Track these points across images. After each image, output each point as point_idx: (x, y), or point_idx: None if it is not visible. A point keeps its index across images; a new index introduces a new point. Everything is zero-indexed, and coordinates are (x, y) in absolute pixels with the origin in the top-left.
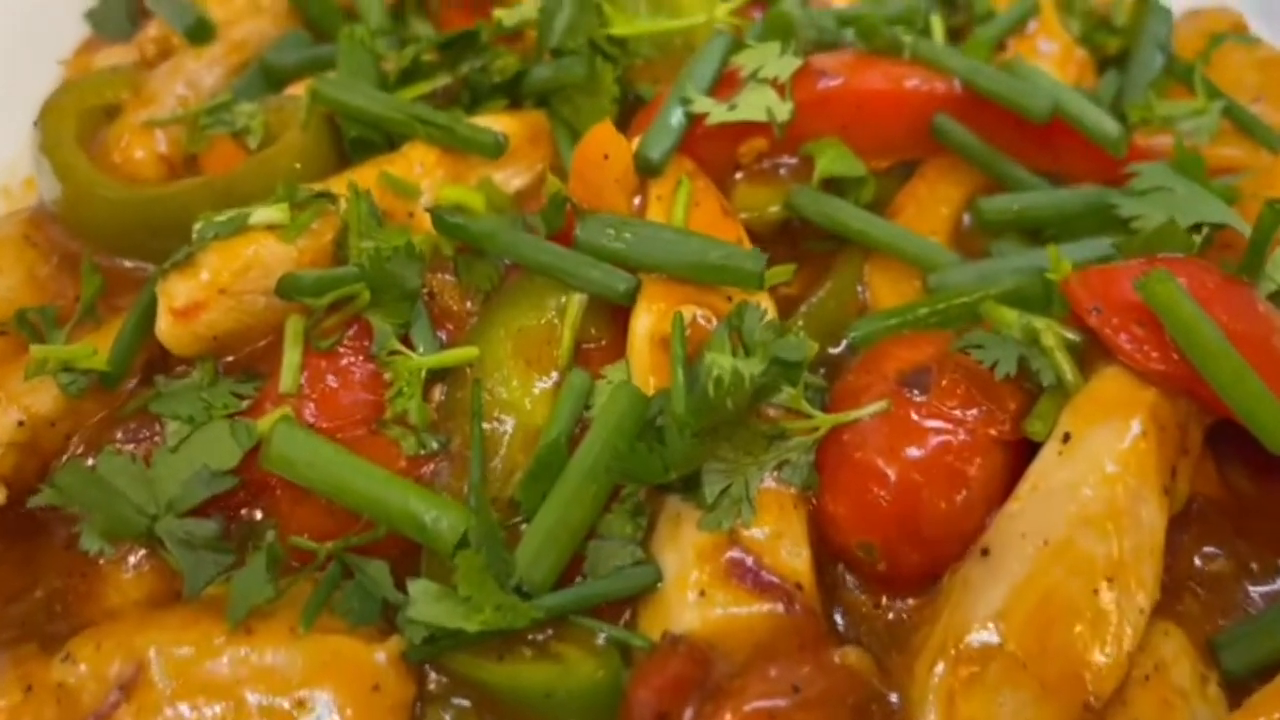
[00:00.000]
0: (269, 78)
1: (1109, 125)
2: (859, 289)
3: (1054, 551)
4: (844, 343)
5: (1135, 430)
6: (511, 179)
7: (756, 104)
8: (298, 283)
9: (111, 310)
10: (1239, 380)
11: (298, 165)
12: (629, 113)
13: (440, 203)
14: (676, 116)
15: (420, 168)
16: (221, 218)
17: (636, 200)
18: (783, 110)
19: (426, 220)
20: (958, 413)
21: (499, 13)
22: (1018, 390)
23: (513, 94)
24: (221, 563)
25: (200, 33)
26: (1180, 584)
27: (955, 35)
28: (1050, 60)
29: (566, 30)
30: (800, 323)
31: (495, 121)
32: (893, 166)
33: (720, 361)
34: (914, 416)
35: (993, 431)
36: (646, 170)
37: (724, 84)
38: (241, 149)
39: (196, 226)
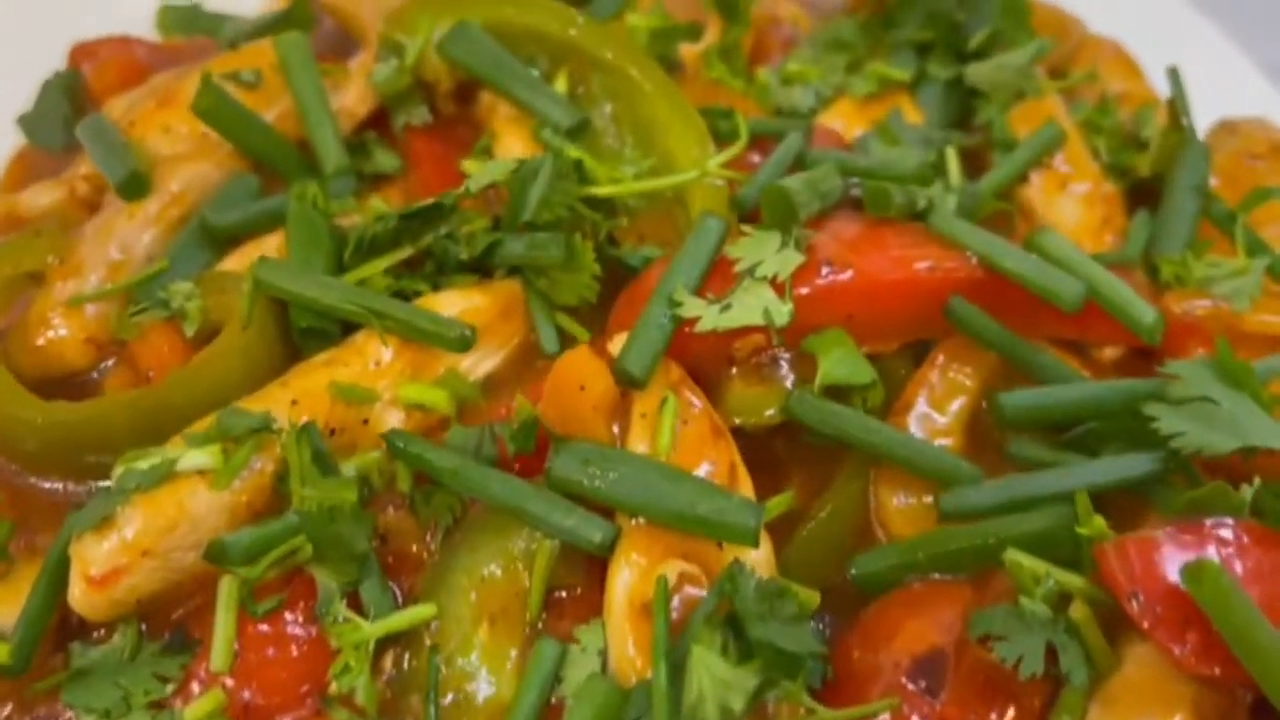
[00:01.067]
0: (210, 238)
1: (1145, 312)
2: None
3: None
4: (849, 572)
5: None
6: (481, 362)
7: (753, 305)
8: (227, 551)
9: (28, 549)
10: None
11: (237, 375)
12: (613, 279)
13: (400, 401)
14: (662, 321)
15: (376, 363)
16: (144, 464)
17: (616, 428)
18: (782, 312)
19: (382, 422)
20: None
21: (468, 166)
22: (1043, 681)
23: (482, 264)
24: None
25: (134, 188)
26: None
27: (972, 159)
28: (1076, 200)
29: (541, 202)
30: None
31: (463, 297)
32: (901, 348)
33: (704, 675)
34: None
35: None
36: (628, 384)
37: (716, 274)
38: (177, 335)
39: (116, 473)
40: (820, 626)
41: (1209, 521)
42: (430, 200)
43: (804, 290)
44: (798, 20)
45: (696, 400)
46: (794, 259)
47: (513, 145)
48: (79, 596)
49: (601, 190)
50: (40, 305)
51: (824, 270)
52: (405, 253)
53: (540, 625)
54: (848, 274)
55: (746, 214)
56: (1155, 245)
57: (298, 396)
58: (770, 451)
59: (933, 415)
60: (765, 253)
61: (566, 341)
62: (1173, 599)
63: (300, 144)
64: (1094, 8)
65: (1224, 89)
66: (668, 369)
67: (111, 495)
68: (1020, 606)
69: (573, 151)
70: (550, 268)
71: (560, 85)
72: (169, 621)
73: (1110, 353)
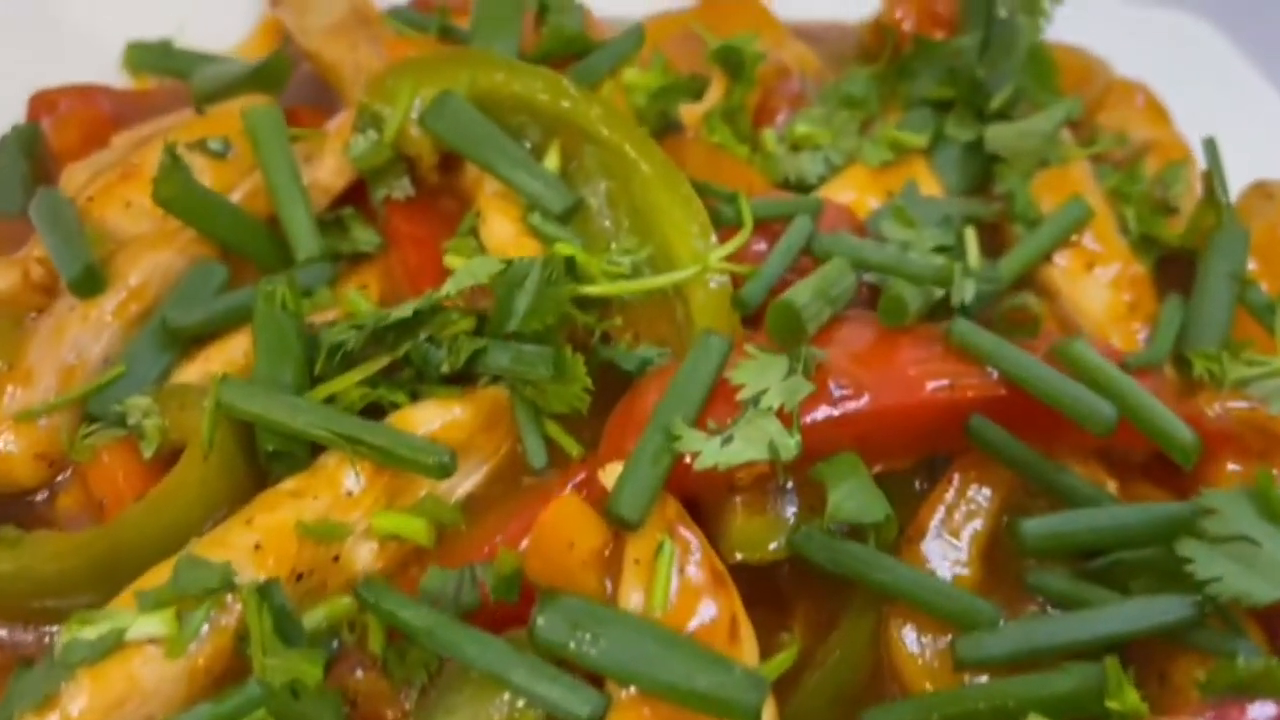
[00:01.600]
0: (171, 338)
1: (1181, 433)
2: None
3: None
4: None
5: None
6: (463, 480)
7: (757, 439)
8: None
9: None
10: None
11: (197, 511)
12: (607, 381)
13: (374, 533)
14: (658, 456)
15: (348, 492)
16: (91, 634)
17: (609, 580)
18: (789, 446)
19: (355, 557)
20: None
21: (450, 259)
22: None
23: (465, 372)
24: None
25: (89, 285)
26: None
27: (992, 231)
28: (1103, 283)
29: (530, 313)
30: None
31: (443, 408)
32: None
33: None
34: None
35: None
36: (620, 526)
37: (717, 399)
38: (133, 457)
39: (61, 642)
40: None
41: (1253, 710)
42: (408, 309)
43: (812, 417)
44: (805, 62)
45: (695, 542)
46: (802, 388)
47: (500, 227)
48: None
49: (595, 290)
50: None
51: (834, 392)
52: (382, 362)
53: None
54: (861, 402)
55: (750, 313)
56: (1187, 336)
57: (262, 539)
58: (774, 583)
59: (949, 541)
60: (771, 379)
61: (555, 454)
62: None
63: (272, 221)
64: (1122, 44)
65: (1259, 127)
66: (664, 505)
67: (55, 669)
68: None
69: (564, 247)
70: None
71: (552, 160)
72: None
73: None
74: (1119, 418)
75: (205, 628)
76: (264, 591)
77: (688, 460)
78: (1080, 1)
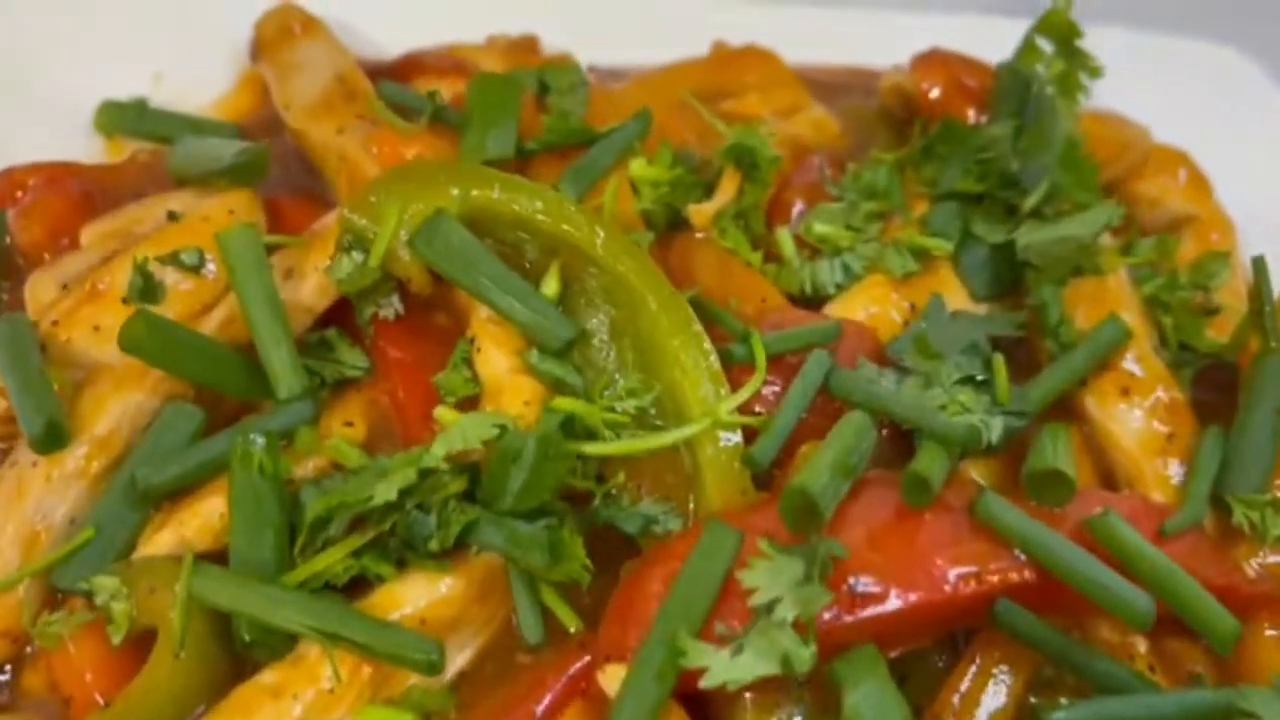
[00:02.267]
0: (141, 498)
1: (1222, 623)
2: None
3: None
4: None
5: None
6: (454, 657)
7: (769, 651)
8: None
9: None
10: None
11: (169, 716)
12: (609, 542)
13: None
14: (663, 674)
15: (331, 688)
16: None
17: None
18: (803, 658)
19: None
20: None
21: (441, 413)
22: None
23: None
24: None
25: (52, 442)
26: None
27: (1019, 342)
28: (1139, 414)
29: (525, 490)
30: None
31: (431, 583)
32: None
33: None
34: None
35: None
36: None
37: (727, 595)
38: (101, 645)
39: None
40: None
41: None
42: (393, 491)
43: (828, 616)
44: (824, 130)
45: None
46: (819, 598)
47: (496, 360)
48: None
49: (597, 450)
50: None
51: (854, 589)
52: (367, 536)
53: None
54: (884, 605)
55: (761, 474)
56: (1227, 476)
57: None
58: None
59: None
60: (784, 584)
61: (552, 624)
62: None
63: (251, 347)
64: (1151, 77)
65: None
66: (668, 714)
67: None
68: None
69: (563, 402)
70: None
71: (551, 284)
72: None
73: None
74: (1156, 612)
75: None
76: None
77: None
78: (1105, 34)
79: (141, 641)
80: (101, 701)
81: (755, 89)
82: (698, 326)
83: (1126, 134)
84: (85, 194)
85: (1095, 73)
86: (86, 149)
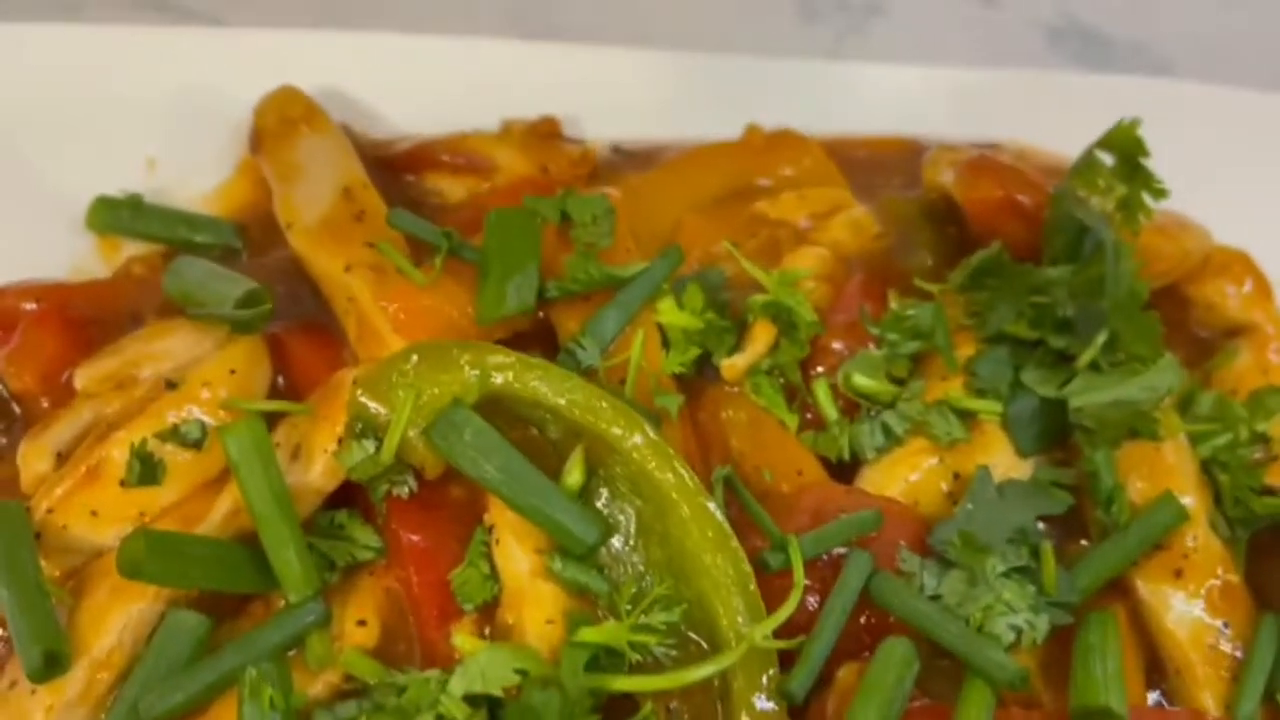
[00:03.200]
0: None
1: None
2: None
3: None
4: None
5: None
6: None
7: None
8: None
9: None
10: None
11: None
12: None
13: None
14: None
15: None
16: None
17: None
18: None
19: None
20: None
21: (460, 640)
22: None
23: None
24: None
25: (50, 670)
26: None
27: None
28: (1192, 602)
29: None
30: None
31: None
32: None
33: None
34: None
35: None
36: None
37: None
38: None
39: None
40: None
41: None
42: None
43: None
44: (863, 230)
45: None
46: None
47: (517, 558)
48: None
49: (625, 686)
50: None
51: None
52: None
53: None
54: None
55: (798, 707)
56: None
57: None
58: None
59: None
60: None
61: None
62: None
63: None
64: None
65: None
66: None
67: None
68: None
69: (589, 634)
70: None
71: (575, 474)
72: None
73: None
74: None
75: None
76: None
77: None
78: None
79: None
80: None
81: (791, 185)
82: (734, 543)
83: (1187, 241)
84: (77, 324)
85: (1160, 194)
86: (75, 249)
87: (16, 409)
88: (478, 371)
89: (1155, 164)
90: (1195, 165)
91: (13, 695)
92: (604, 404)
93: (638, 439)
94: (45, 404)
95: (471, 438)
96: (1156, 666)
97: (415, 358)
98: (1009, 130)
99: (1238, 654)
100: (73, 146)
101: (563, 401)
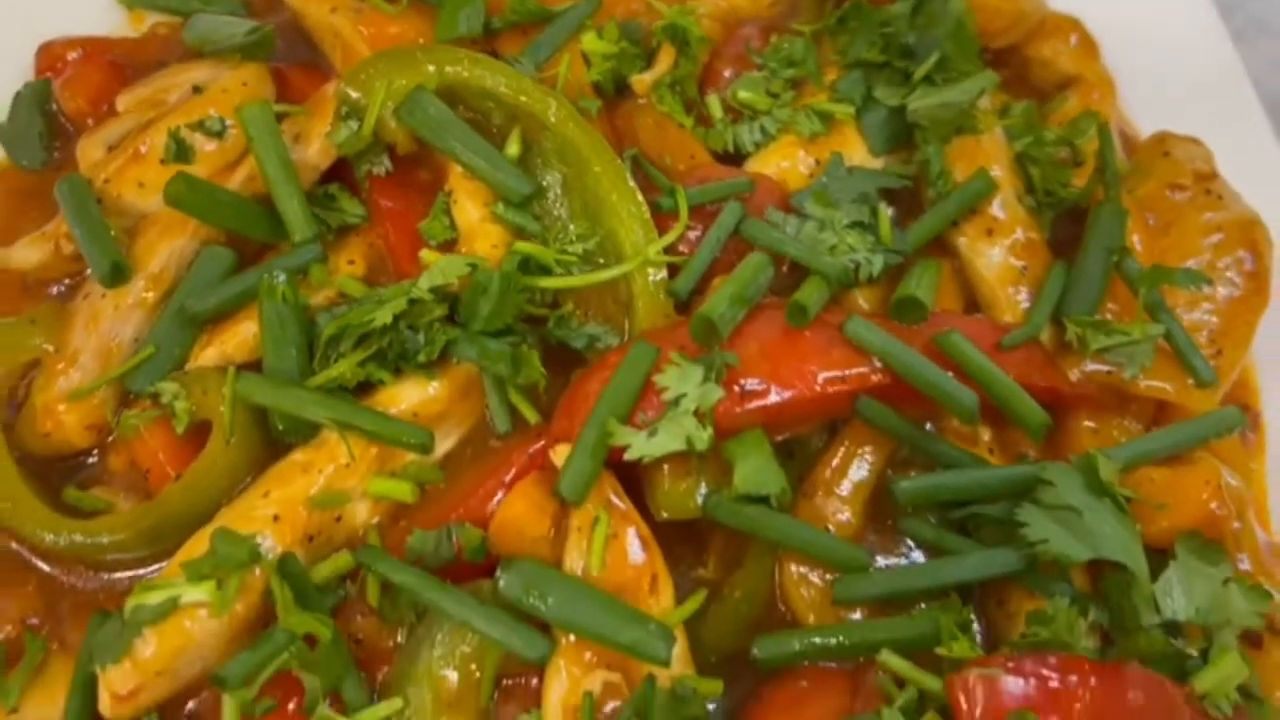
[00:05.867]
0: (189, 320)
1: (1034, 416)
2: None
3: None
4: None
5: None
6: (441, 442)
7: (676, 433)
8: (227, 680)
9: (60, 646)
10: None
11: (225, 483)
12: (561, 356)
13: (370, 494)
14: (596, 449)
15: (348, 459)
16: (152, 600)
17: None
18: (702, 438)
19: (355, 514)
20: None
21: (426, 255)
22: None
23: (441, 356)
24: None
25: (116, 278)
26: None
27: (909, 197)
28: (1000, 251)
29: (491, 315)
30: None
31: (422, 386)
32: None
33: None
34: None
35: None
36: (567, 502)
37: (647, 394)
38: (168, 433)
39: (129, 606)
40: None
41: (1052, 660)
42: (389, 314)
43: (721, 408)
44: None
45: (626, 510)
46: (714, 393)
47: (470, 209)
48: (108, 708)
49: (549, 284)
50: (44, 396)
51: (744, 388)
52: (370, 350)
53: (492, 709)
54: (767, 398)
55: (682, 302)
56: (1067, 302)
57: (279, 510)
58: (694, 526)
59: (837, 495)
60: (689, 384)
61: (518, 419)
62: None
63: (269, 199)
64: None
65: None
66: (602, 482)
67: (127, 628)
68: (882, 716)
69: (522, 245)
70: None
71: (514, 146)
72: (183, 712)
73: None
74: (978, 406)
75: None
76: (283, 565)
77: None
78: None
79: (198, 431)
80: (172, 474)
81: None
82: (632, 183)
83: (1023, 3)
84: (117, 65)
85: None
86: (110, 21)
87: (70, 128)
88: (435, 66)
89: None
90: None
91: (86, 304)
92: (529, 83)
93: (557, 107)
94: (92, 124)
95: (431, 113)
96: (973, 311)
97: (386, 57)
98: None
99: (1033, 293)
100: None
101: (502, 87)
